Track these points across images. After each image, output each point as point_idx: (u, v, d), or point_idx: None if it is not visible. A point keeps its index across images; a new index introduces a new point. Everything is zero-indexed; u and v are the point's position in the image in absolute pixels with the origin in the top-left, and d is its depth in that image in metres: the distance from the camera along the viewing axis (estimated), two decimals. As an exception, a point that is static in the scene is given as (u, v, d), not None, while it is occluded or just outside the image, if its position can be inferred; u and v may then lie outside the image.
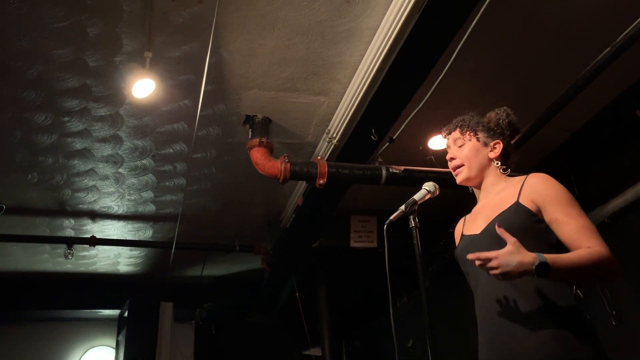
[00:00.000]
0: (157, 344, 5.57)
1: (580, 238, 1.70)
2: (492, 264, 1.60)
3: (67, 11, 2.74)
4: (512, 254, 1.59)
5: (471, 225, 2.01)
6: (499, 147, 2.01)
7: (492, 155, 2.01)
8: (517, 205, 1.81)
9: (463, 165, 2.03)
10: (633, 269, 3.32)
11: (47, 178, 4.24)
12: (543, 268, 1.57)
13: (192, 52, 3.07)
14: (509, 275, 1.59)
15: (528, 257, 1.58)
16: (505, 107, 2.11)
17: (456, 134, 2.08)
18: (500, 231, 1.65)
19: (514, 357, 1.68)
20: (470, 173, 2.02)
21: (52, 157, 3.97)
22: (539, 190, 1.81)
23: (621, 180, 3.46)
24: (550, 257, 1.60)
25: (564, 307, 1.69)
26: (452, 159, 2.07)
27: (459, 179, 2.05)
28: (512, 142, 2.08)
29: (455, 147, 2.07)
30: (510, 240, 1.61)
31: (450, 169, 2.10)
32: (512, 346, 1.70)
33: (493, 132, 2.04)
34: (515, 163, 2.05)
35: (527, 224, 1.78)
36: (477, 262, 1.63)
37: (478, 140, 2.03)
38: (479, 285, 1.88)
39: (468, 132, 2.05)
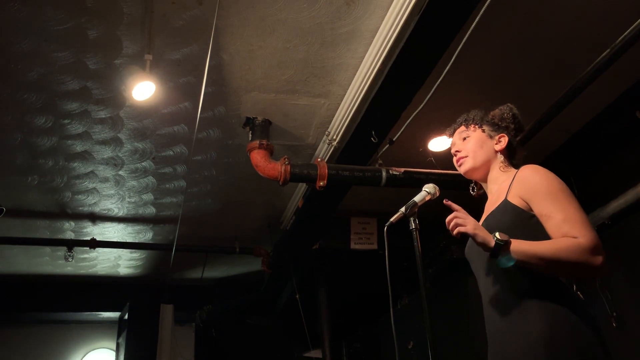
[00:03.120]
0: (157, 346, 5.57)
1: (562, 232, 1.67)
2: (469, 225, 1.70)
3: (68, 14, 2.74)
4: (469, 217, 1.73)
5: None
6: (504, 140, 1.99)
7: (498, 147, 1.99)
8: (505, 204, 1.81)
9: (467, 156, 2.01)
10: (634, 270, 3.32)
11: (48, 180, 4.25)
12: (501, 246, 1.64)
13: (192, 55, 3.08)
14: (476, 237, 1.69)
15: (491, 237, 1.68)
16: (508, 103, 2.10)
17: (461, 129, 2.08)
18: (448, 203, 1.78)
19: (507, 356, 1.68)
20: (475, 163, 1.99)
21: (53, 159, 3.97)
22: (526, 184, 1.79)
23: (621, 181, 3.46)
24: (514, 240, 1.66)
25: (560, 307, 1.66)
26: (457, 152, 2.05)
27: (462, 169, 2.03)
28: (517, 138, 2.07)
29: (460, 141, 2.06)
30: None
31: (454, 163, 2.08)
32: (506, 346, 1.70)
33: (498, 126, 2.03)
34: (522, 158, 2.03)
35: (516, 222, 1.76)
36: (451, 217, 1.74)
37: (483, 131, 2.02)
38: (481, 284, 1.88)
39: (473, 125, 2.04)
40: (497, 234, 1.65)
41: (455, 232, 1.72)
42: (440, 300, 4.83)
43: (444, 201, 1.78)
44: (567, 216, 1.68)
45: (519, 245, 1.65)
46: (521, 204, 1.77)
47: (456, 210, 1.74)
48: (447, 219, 1.73)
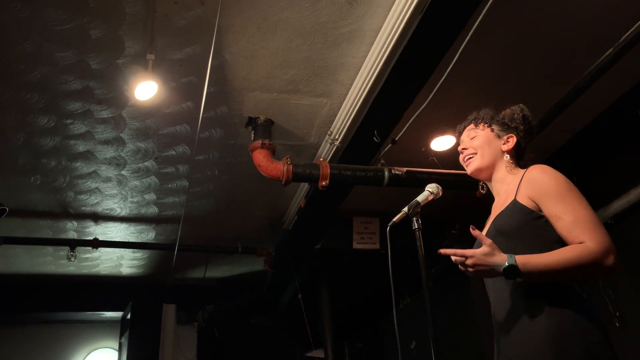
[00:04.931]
0: (159, 346, 5.57)
1: (573, 234, 1.66)
2: (468, 262, 1.66)
3: (70, 14, 2.75)
4: (487, 255, 1.64)
5: (487, 226, 2.00)
6: (512, 141, 1.98)
7: (505, 147, 1.98)
8: (514, 204, 1.79)
9: (475, 153, 2.00)
10: (636, 270, 3.31)
11: (50, 180, 4.25)
12: (511, 271, 1.60)
13: (194, 54, 3.08)
14: (481, 275, 1.69)
15: (500, 259, 1.62)
16: (520, 104, 2.08)
17: (471, 126, 2.06)
18: (476, 233, 1.72)
19: (514, 357, 1.68)
20: (483, 162, 1.98)
21: (55, 159, 3.98)
22: (535, 185, 1.78)
23: (624, 181, 3.45)
24: (522, 258, 1.61)
25: (567, 307, 1.66)
26: (463, 149, 2.04)
27: (470, 169, 2.01)
28: (526, 140, 2.05)
29: (468, 139, 2.04)
30: (486, 242, 1.65)
31: (461, 161, 2.06)
32: (513, 347, 1.70)
33: (507, 126, 2.01)
34: (531, 160, 2.01)
35: (525, 223, 1.75)
36: (453, 258, 1.69)
37: (492, 131, 2.01)
38: (488, 287, 1.88)
39: (482, 124, 2.03)
40: (512, 260, 1.61)
41: (470, 272, 1.68)
42: (442, 300, 4.82)
43: (471, 229, 1.71)
44: (577, 218, 1.68)
45: (528, 262, 1.62)
46: (530, 204, 1.76)
47: (485, 244, 1.66)
48: (467, 262, 1.67)
